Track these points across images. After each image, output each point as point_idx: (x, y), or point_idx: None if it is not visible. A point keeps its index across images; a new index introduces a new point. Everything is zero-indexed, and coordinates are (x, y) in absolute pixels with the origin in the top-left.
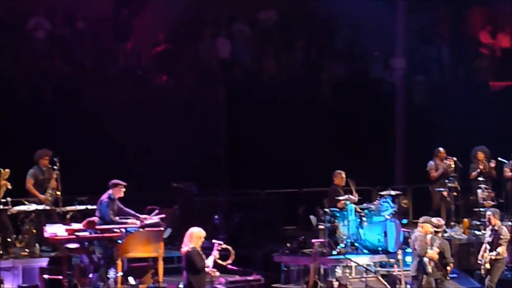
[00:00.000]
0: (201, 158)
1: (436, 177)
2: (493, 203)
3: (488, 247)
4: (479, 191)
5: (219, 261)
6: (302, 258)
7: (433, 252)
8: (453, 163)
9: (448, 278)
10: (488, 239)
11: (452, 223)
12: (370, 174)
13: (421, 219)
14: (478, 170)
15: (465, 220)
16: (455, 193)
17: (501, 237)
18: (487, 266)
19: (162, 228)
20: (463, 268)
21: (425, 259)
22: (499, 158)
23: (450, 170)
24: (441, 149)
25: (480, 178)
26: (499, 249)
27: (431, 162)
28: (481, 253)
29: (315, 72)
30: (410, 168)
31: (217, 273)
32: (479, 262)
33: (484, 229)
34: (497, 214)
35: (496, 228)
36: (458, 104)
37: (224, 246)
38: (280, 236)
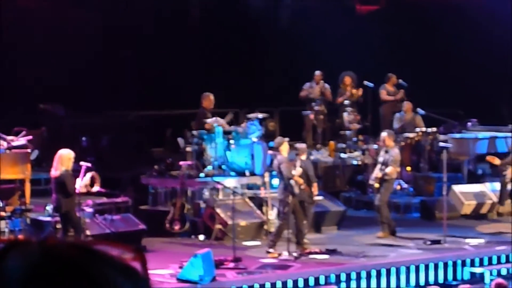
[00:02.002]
0: (70, 79)
1: (303, 97)
2: (359, 126)
3: (381, 167)
4: (345, 114)
5: (88, 188)
6: (169, 180)
7: (297, 174)
8: (324, 85)
9: (314, 199)
10: (381, 159)
11: (319, 146)
12: (238, 96)
13: (276, 143)
14: (345, 96)
15: (331, 143)
16: (321, 117)
17: (391, 158)
18: (376, 185)
19: (29, 150)
20: (329, 191)
21: (292, 181)
22: (365, 82)
23: (326, 94)
24: (317, 72)
25: (346, 102)
26: (388, 169)
27: (307, 84)
28: (375, 172)
29: None
30: (277, 90)
31: (95, 188)
32: (371, 182)
33: (350, 152)
34: (392, 136)
35: (388, 148)
36: (326, 28)
37: (91, 173)
38: (148, 158)
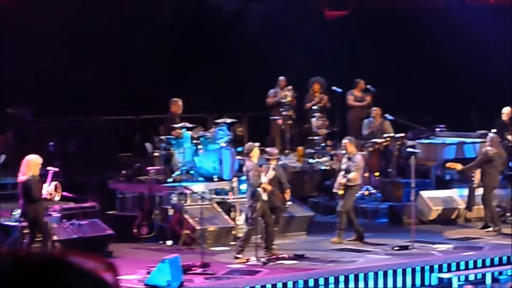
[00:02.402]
0: (36, 83)
1: (271, 104)
2: (327, 131)
3: (344, 173)
4: (313, 119)
5: (51, 196)
6: (137, 185)
7: (266, 182)
8: (290, 92)
9: (287, 205)
10: (344, 166)
11: (287, 151)
12: (206, 101)
13: (246, 149)
14: (313, 102)
15: (299, 148)
16: (290, 122)
17: (355, 164)
18: (340, 192)
19: None
20: (297, 196)
21: (259, 189)
22: (334, 88)
23: (289, 100)
24: (281, 78)
25: (314, 107)
26: (351, 175)
27: (271, 90)
28: (338, 179)
29: None
30: (246, 96)
31: (57, 198)
32: (335, 190)
33: (318, 157)
34: (353, 142)
35: (351, 155)
36: (295, 33)
37: (55, 183)
38: (116, 163)
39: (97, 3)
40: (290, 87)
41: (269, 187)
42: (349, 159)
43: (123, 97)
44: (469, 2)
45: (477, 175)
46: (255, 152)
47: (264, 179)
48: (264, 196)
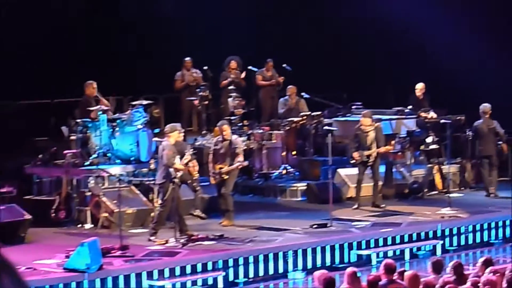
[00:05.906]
0: None
1: (180, 87)
2: (244, 111)
3: (226, 158)
4: (229, 99)
5: None
6: (54, 169)
7: (179, 164)
8: (199, 73)
9: (198, 187)
10: (223, 150)
11: (204, 132)
12: (121, 83)
13: (167, 128)
14: (230, 79)
15: (216, 129)
16: (206, 102)
17: (238, 146)
18: (225, 176)
19: None
20: None
21: (171, 169)
22: (250, 67)
23: (197, 80)
24: (187, 59)
25: (230, 87)
26: (240, 158)
27: (178, 73)
28: (211, 164)
29: None
30: (161, 77)
31: None
32: (212, 174)
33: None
34: (228, 125)
35: (228, 138)
36: (208, 12)
37: None
38: (32, 147)
39: None
40: (205, 67)
41: (182, 168)
42: (225, 141)
43: (37, 81)
44: None
45: (373, 153)
46: (175, 134)
47: (178, 161)
48: (176, 178)
